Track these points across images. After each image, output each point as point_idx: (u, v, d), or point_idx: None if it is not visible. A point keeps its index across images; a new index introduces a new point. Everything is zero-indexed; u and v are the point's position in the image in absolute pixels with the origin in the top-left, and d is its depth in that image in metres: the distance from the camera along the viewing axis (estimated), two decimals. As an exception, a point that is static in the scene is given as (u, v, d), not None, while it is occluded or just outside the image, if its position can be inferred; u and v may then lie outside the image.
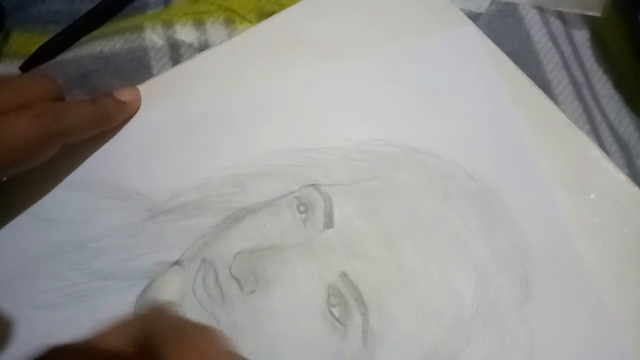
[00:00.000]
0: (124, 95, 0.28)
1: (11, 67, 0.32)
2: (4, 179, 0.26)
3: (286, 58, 0.29)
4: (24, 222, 0.26)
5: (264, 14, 0.31)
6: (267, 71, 0.28)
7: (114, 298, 0.24)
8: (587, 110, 0.30)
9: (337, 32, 0.29)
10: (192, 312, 0.24)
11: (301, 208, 0.26)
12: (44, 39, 0.32)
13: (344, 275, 0.24)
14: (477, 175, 0.26)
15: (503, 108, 0.27)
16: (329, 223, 0.25)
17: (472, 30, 0.29)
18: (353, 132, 0.27)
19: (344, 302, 0.23)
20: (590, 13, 0.32)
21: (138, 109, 0.28)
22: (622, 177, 0.26)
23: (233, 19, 0.32)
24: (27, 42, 0.32)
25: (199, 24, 0.31)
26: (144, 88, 0.28)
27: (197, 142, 0.27)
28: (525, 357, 0.22)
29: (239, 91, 0.28)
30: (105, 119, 0.27)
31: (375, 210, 0.25)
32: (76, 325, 0.24)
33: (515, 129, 0.27)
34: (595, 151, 0.27)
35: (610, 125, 0.30)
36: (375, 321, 0.23)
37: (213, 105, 0.28)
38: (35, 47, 0.32)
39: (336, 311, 0.23)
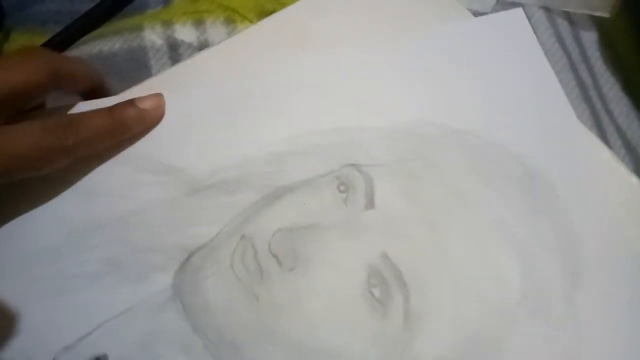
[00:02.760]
0: (145, 103, 0.26)
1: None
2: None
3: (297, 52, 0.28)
4: (66, 194, 0.26)
5: (264, 13, 0.31)
6: (305, 52, 0.28)
7: (153, 270, 0.24)
8: (594, 113, 0.29)
9: (344, 28, 0.28)
10: (231, 287, 0.24)
11: (342, 188, 0.25)
12: (44, 38, 0.32)
13: (384, 255, 0.23)
14: (522, 157, 0.25)
15: (551, 89, 0.26)
16: (369, 203, 0.25)
17: (518, 12, 0.29)
18: (394, 113, 0.27)
19: (385, 282, 0.23)
20: (599, 14, 0.31)
21: (162, 117, 0.26)
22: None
23: (233, 18, 0.31)
24: (27, 41, 0.32)
25: (198, 23, 0.31)
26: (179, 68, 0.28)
27: (237, 120, 0.27)
28: (574, 344, 0.22)
29: (277, 71, 0.27)
30: (122, 131, 0.25)
31: (417, 191, 0.25)
32: (117, 295, 0.24)
33: (565, 111, 0.26)
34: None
35: (618, 129, 0.29)
36: (416, 302, 0.22)
37: (252, 84, 0.27)
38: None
39: (376, 291, 0.23)
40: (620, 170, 0.26)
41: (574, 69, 0.30)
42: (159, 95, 0.26)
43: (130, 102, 0.26)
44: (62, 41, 0.30)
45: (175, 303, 0.24)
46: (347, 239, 0.24)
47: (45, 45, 0.30)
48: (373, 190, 0.25)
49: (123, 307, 0.24)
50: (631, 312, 0.22)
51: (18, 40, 0.32)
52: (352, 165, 0.26)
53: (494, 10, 0.31)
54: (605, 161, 0.25)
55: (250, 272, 0.24)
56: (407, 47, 0.28)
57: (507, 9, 0.29)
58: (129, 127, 0.25)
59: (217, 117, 0.27)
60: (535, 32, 0.29)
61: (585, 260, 0.23)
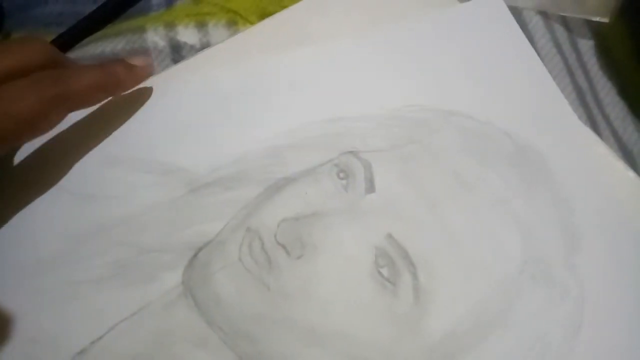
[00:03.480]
0: (134, 60, 0.27)
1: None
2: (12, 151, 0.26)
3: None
4: (62, 201, 0.26)
5: (266, 16, 0.31)
6: (295, 48, 0.28)
7: (161, 270, 0.25)
8: (590, 117, 0.30)
9: (342, 27, 0.29)
10: (241, 279, 0.24)
11: (341, 175, 0.26)
12: (48, 39, 0.31)
13: (389, 236, 0.24)
14: (514, 134, 0.26)
15: (537, 66, 0.27)
16: (370, 188, 0.25)
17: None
18: (387, 100, 0.28)
19: (392, 262, 0.23)
20: (597, 19, 0.32)
21: (149, 74, 0.27)
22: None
23: (235, 20, 0.31)
24: None
25: (201, 25, 0.31)
26: (177, 68, 0.29)
27: (233, 117, 0.27)
28: (577, 308, 0.23)
29: (272, 68, 0.28)
30: (114, 84, 0.26)
31: (415, 173, 0.26)
32: (127, 297, 0.24)
33: (551, 86, 0.27)
34: None
35: (614, 133, 0.30)
36: (424, 279, 0.23)
37: (247, 81, 0.28)
38: None
39: (385, 271, 0.23)
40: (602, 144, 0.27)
41: (570, 73, 0.31)
42: (146, 55, 0.28)
43: (120, 59, 0.26)
44: (65, 42, 0.31)
45: (186, 299, 0.24)
46: (351, 223, 0.25)
47: None
48: (372, 175, 0.26)
49: (135, 308, 0.24)
50: (630, 274, 0.23)
51: None
52: (350, 152, 0.26)
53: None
54: (588, 133, 0.27)
55: (259, 263, 0.24)
56: (394, 35, 0.28)
57: None
58: (120, 80, 0.26)
59: (214, 115, 0.27)
60: (532, 37, 0.30)
61: (581, 226, 0.24)
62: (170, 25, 0.31)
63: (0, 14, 0.32)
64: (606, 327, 0.22)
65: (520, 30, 0.29)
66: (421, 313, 0.23)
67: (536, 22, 0.31)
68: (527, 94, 0.27)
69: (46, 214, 0.26)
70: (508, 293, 0.23)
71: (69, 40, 0.30)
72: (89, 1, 0.32)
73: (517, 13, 0.31)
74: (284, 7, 0.31)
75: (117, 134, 0.27)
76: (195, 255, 0.25)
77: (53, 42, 0.30)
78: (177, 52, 0.30)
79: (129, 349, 0.23)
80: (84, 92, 0.24)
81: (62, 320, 0.24)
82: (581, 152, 0.26)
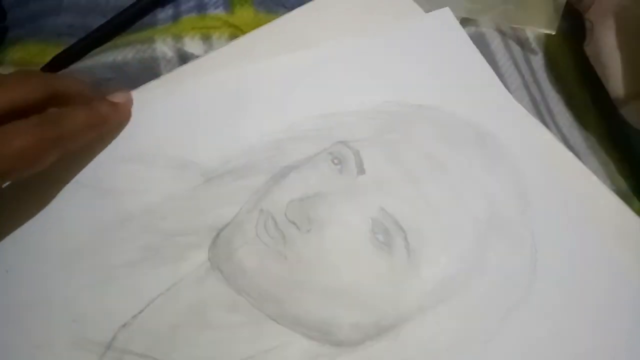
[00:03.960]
0: (116, 97, 0.30)
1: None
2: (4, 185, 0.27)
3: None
4: (86, 196, 0.29)
5: None
6: (290, 52, 0.33)
7: (188, 250, 0.28)
8: (545, 124, 0.35)
9: (334, 33, 0.34)
10: (261, 252, 0.27)
11: (335, 161, 0.30)
12: (58, 49, 0.34)
13: (381, 209, 0.29)
14: (474, 122, 0.32)
15: (483, 66, 0.34)
16: (360, 170, 0.30)
17: (447, 12, 0.36)
18: (369, 98, 0.33)
19: (386, 229, 0.28)
20: (544, 31, 0.38)
21: (130, 111, 0.30)
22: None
23: (237, 34, 0.35)
24: (41, 52, 0.34)
25: (206, 37, 0.35)
26: (180, 72, 0.32)
27: (239, 115, 0.31)
28: (532, 255, 0.29)
29: (270, 70, 0.32)
30: (102, 123, 0.28)
31: (398, 156, 0.31)
32: (160, 276, 0.27)
33: (496, 83, 0.33)
34: None
35: (564, 138, 0.36)
36: (413, 240, 0.28)
37: (250, 83, 0.32)
38: (50, 57, 0.34)
39: (380, 237, 0.28)
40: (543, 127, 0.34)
41: (527, 87, 0.36)
42: (126, 91, 0.30)
43: (103, 98, 0.29)
44: (76, 52, 0.33)
45: (214, 273, 0.27)
46: (348, 200, 0.29)
47: (60, 54, 0.33)
48: (362, 160, 0.30)
49: (168, 284, 0.27)
50: (570, 225, 0.30)
51: (32, 50, 0.34)
52: (341, 142, 0.31)
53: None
54: (530, 118, 0.33)
55: (274, 238, 0.28)
56: (371, 44, 0.34)
57: (470, 37, 0.35)
58: (105, 118, 0.28)
59: (222, 114, 0.31)
60: (494, 57, 0.36)
61: (530, 190, 0.30)
62: (177, 37, 0.34)
63: (3, 28, 0.33)
64: (555, 265, 0.28)
65: (468, 38, 0.35)
66: (415, 267, 0.28)
67: (497, 44, 0.37)
68: (479, 89, 0.33)
69: (70, 209, 0.29)
70: (480, 245, 0.29)
71: (81, 49, 0.33)
72: (98, 15, 0.34)
73: (480, 36, 0.37)
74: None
75: (133, 134, 0.30)
76: (217, 235, 0.28)
77: (65, 51, 0.33)
78: (184, 62, 0.33)
79: (168, 319, 0.26)
80: (76, 134, 0.27)
81: (101, 300, 0.27)
82: (526, 133, 0.32)
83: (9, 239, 0.28)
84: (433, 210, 0.29)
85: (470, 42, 0.35)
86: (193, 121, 0.31)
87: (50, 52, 0.34)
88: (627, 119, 0.35)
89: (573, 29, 0.39)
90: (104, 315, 0.26)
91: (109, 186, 0.29)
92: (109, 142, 0.30)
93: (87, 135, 0.28)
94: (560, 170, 0.31)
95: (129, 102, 0.30)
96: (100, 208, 0.29)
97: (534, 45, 0.39)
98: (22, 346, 0.26)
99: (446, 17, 0.36)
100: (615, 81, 0.35)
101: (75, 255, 0.27)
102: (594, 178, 0.31)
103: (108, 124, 0.29)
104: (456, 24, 0.36)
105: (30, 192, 0.28)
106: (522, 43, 0.38)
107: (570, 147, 0.35)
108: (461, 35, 0.35)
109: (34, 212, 0.28)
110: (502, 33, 0.38)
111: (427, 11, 0.36)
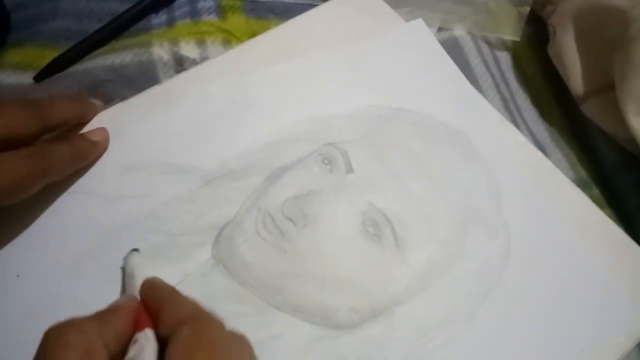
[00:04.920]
0: (94, 135, 0.32)
1: (24, 78, 0.36)
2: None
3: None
4: (93, 204, 0.31)
5: (254, 36, 0.37)
6: (279, 62, 0.35)
7: (193, 248, 0.30)
8: (513, 120, 0.38)
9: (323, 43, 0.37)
10: (261, 247, 0.30)
11: (325, 161, 0.33)
12: (56, 52, 0.36)
13: (370, 203, 0.31)
14: (448, 123, 0.35)
15: (455, 72, 0.37)
16: (349, 169, 0.32)
17: (420, 23, 0.39)
18: (353, 102, 0.35)
19: (375, 221, 0.31)
20: (509, 38, 0.41)
21: (107, 147, 0.32)
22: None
23: (229, 39, 0.37)
24: (39, 55, 0.36)
25: (200, 42, 0.37)
26: (178, 80, 0.34)
27: (235, 121, 0.34)
28: (505, 240, 0.32)
29: (262, 79, 0.35)
30: (82, 158, 0.31)
31: (382, 155, 0.33)
32: (167, 273, 0.29)
33: (467, 87, 0.37)
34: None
35: (530, 132, 0.39)
36: (400, 230, 0.31)
37: (244, 91, 0.34)
38: (48, 60, 0.36)
39: (370, 229, 0.31)
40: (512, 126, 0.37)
41: (497, 86, 0.39)
42: (104, 129, 0.32)
43: (82, 136, 0.31)
44: (74, 55, 0.34)
45: (219, 268, 0.29)
46: (339, 197, 0.31)
47: (59, 57, 0.34)
48: (349, 160, 0.33)
49: (176, 280, 0.29)
50: (538, 215, 0.33)
51: (31, 53, 0.35)
52: (330, 144, 0.34)
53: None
54: (499, 117, 0.36)
55: (273, 234, 0.30)
56: (353, 53, 0.37)
57: (445, 41, 0.38)
58: (85, 154, 0.31)
59: (219, 120, 0.33)
60: (467, 59, 0.39)
61: (501, 184, 0.33)
62: (173, 41, 0.36)
63: (6, 26, 0.34)
64: (526, 251, 0.31)
65: (441, 47, 0.38)
66: (402, 253, 0.30)
67: (470, 48, 0.40)
68: (454, 93, 0.36)
69: (73, 214, 0.30)
70: (459, 234, 0.32)
71: (78, 52, 0.34)
72: (94, 19, 0.36)
73: (454, 41, 0.40)
74: (268, 29, 0.37)
75: (135, 143, 0.32)
76: (219, 234, 0.30)
77: (63, 54, 0.34)
78: (180, 65, 0.35)
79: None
80: (61, 167, 0.29)
81: (110, 300, 0.28)
82: (496, 131, 0.35)
83: (20, 246, 0.29)
84: (416, 203, 0.32)
85: (443, 50, 0.38)
86: (192, 128, 0.33)
87: (49, 56, 0.36)
88: (587, 114, 0.39)
89: (537, 33, 0.43)
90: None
91: (115, 194, 0.31)
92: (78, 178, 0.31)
93: (70, 169, 0.30)
94: (528, 166, 0.34)
95: (106, 140, 0.32)
96: (107, 214, 0.30)
97: (503, 49, 0.42)
98: (34, 347, 0.27)
99: (420, 27, 0.39)
100: (576, 80, 0.39)
101: (83, 259, 0.29)
102: (560, 174, 0.34)
103: (87, 159, 0.31)
104: (430, 33, 0.39)
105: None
106: (492, 47, 0.42)
107: (536, 141, 0.39)
108: (434, 44, 0.38)
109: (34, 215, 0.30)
110: (475, 38, 0.41)
111: (408, 21, 0.39)
